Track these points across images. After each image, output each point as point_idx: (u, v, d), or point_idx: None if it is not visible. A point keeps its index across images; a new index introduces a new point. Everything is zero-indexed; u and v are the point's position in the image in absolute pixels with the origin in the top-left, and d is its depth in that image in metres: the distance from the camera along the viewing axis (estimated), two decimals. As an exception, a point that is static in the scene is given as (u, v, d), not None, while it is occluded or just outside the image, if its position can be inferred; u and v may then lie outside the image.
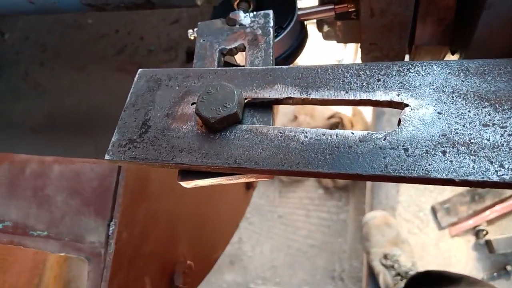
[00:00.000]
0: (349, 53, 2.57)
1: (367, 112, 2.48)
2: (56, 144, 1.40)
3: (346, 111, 2.66)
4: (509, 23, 0.50)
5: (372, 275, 1.96)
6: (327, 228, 2.64)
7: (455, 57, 0.61)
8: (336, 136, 0.41)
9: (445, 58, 0.64)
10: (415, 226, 2.11)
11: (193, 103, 0.49)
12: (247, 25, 0.54)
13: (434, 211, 2.03)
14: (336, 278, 2.51)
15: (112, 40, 1.58)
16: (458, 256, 2.00)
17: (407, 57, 0.64)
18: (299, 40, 0.61)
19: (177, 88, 0.51)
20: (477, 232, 1.91)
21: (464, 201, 1.95)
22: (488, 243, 1.89)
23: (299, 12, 0.60)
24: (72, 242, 0.65)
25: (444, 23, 0.56)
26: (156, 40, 1.52)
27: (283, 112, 2.81)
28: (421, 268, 1.77)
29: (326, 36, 0.67)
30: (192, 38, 0.64)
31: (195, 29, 0.62)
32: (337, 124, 2.62)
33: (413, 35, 0.59)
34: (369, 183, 2.25)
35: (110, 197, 0.65)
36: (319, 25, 0.67)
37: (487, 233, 1.90)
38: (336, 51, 2.59)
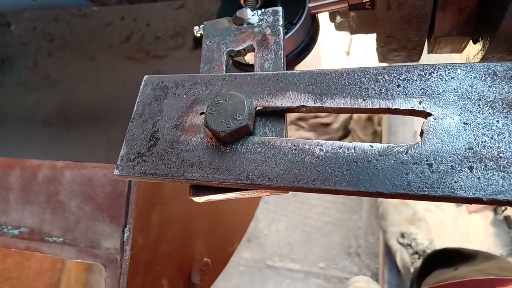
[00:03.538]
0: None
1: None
2: (69, 136, 1.40)
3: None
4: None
5: (389, 254, 1.96)
6: (342, 205, 2.64)
7: (477, 46, 0.57)
8: (354, 150, 0.39)
9: (467, 48, 0.60)
10: (432, 203, 2.08)
11: (202, 113, 0.47)
12: (255, 24, 0.51)
13: (451, 187, 1.99)
14: (353, 254, 2.53)
15: (118, 27, 1.55)
16: (476, 232, 1.98)
17: (425, 49, 0.60)
18: (311, 34, 0.58)
19: (184, 96, 0.49)
20: (495, 208, 1.88)
21: (482, 178, 1.91)
22: (507, 219, 1.86)
23: (310, 5, 0.56)
24: (88, 248, 0.65)
25: (465, 13, 0.52)
26: (163, 26, 1.48)
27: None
28: (439, 246, 1.77)
29: (339, 27, 0.63)
30: (198, 35, 0.61)
31: (201, 26, 0.59)
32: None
33: (432, 26, 0.55)
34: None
35: (123, 203, 0.64)
36: (331, 16, 0.63)
37: (505, 208, 1.86)
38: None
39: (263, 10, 0.51)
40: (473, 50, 0.59)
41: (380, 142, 2.18)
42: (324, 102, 0.43)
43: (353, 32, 0.63)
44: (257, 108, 0.45)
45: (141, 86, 0.51)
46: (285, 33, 0.53)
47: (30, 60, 1.65)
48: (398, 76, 0.41)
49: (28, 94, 1.58)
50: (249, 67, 0.56)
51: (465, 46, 0.61)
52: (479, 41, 0.57)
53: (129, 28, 1.51)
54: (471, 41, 0.60)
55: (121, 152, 0.48)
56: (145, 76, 0.51)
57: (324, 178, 0.39)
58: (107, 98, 1.44)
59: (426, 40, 0.59)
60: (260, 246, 2.64)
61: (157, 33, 1.48)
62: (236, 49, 0.51)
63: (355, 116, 2.26)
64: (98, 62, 1.52)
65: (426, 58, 0.62)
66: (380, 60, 0.65)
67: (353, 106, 0.42)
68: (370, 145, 0.39)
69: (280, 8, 0.50)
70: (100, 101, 1.44)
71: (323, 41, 0.67)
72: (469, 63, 0.39)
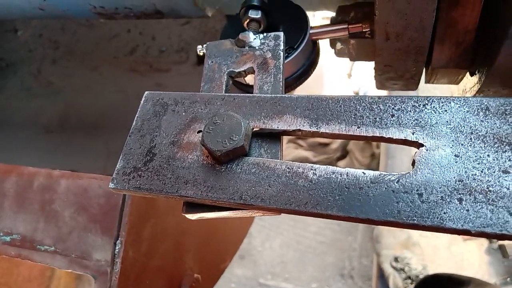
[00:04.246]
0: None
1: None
2: (69, 144, 1.41)
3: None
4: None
5: (382, 277, 1.95)
6: (337, 225, 2.62)
7: (474, 79, 0.59)
8: (347, 176, 0.40)
9: (464, 80, 0.61)
10: (427, 228, 2.07)
11: (199, 131, 0.48)
12: (257, 47, 0.52)
13: (447, 214, 1.99)
14: (346, 275, 2.51)
15: (124, 39, 1.57)
16: (470, 260, 1.97)
17: (423, 78, 0.62)
18: (311, 59, 0.59)
19: (183, 114, 0.49)
20: (490, 237, 1.87)
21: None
22: (502, 248, 1.85)
23: (311, 31, 0.57)
24: (79, 259, 0.65)
25: (462, 46, 0.53)
26: (167, 41, 1.51)
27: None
28: (432, 272, 1.75)
29: (339, 53, 0.65)
30: (200, 54, 0.63)
31: (204, 45, 0.60)
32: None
33: (430, 57, 0.56)
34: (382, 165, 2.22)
35: (116, 215, 0.64)
36: (332, 42, 0.64)
37: (501, 238, 1.85)
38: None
39: (265, 34, 0.52)
40: (469, 83, 0.60)
41: (378, 164, 2.18)
42: (319, 127, 0.43)
43: (352, 59, 0.64)
44: (254, 130, 0.46)
45: (142, 102, 0.52)
46: (286, 57, 0.55)
47: (35, 67, 1.67)
48: (392, 106, 0.42)
49: (31, 100, 1.59)
50: (249, 88, 0.57)
51: (462, 78, 0.62)
52: (476, 74, 0.58)
53: (135, 40, 1.54)
54: (468, 73, 0.61)
55: (117, 166, 0.48)
56: (146, 92, 0.52)
57: (316, 202, 0.39)
58: (108, 109, 1.45)
59: (424, 70, 0.60)
60: (253, 263, 2.62)
61: (162, 47, 1.50)
62: (236, 71, 0.52)
63: (353, 137, 2.26)
64: (101, 72, 1.53)
65: (422, 87, 0.63)
66: (378, 87, 0.66)
67: (347, 133, 0.42)
68: (363, 172, 0.39)
69: (281, 33, 0.51)
70: (102, 111, 1.45)
71: (325, 61, 0.68)
72: (463, 97, 0.39)
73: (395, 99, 0.42)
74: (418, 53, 0.52)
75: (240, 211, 0.44)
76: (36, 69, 1.69)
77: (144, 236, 0.69)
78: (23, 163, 1.36)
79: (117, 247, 0.64)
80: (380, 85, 0.64)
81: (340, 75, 2.44)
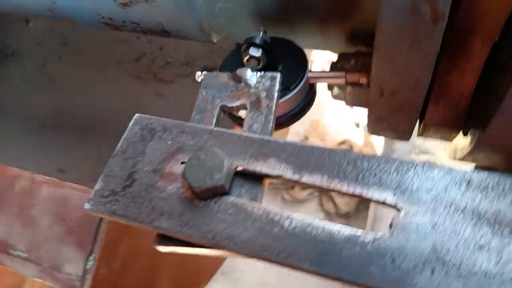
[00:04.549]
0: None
1: (378, 143, 2.44)
2: (61, 142, 1.40)
3: (357, 139, 2.62)
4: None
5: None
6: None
7: (467, 139, 0.59)
8: (322, 231, 0.39)
9: (457, 138, 0.61)
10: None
11: (183, 162, 0.47)
12: (252, 85, 0.52)
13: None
14: (326, 303, 2.46)
15: (132, 46, 1.58)
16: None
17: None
18: (306, 101, 0.59)
19: (169, 142, 0.49)
20: None
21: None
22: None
23: (309, 75, 0.58)
24: (50, 269, 0.64)
25: (457, 109, 0.53)
26: (174, 53, 1.51)
27: (294, 130, 2.78)
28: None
29: (336, 97, 0.65)
30: (198, 80, 0.63)
31: (203, 73, 0.61)
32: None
33: (424, 112, 0.57)
34: (371, 214, 2.21)
35: (93, 231, 0.64)
36: (329, 86, 0.65)
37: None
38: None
39: (262, 73, 0.52)
40: (461, 143, 0.60)
41: (365, 205, 2.17)
42: (302, 176, 0.43)
43: (348, 104, 0.65)
44: (237, 168, 0.45)
45: (130, 124, 0.52)
46: (281, 97, 0.55)
47: (40, 60, 1.67)
48: (376, 166, 0.41)
49: (29, 92, 1.59)
50: (241, 121, 0.57)
51: (454, 136, 0.62)
52: (468, 135, 0.58)
53: (143, 48, 1.55)
54: (462, 131, 0.61)
55: (96, 186, 0.48)
56: (136, 115, 0.52)
57: (288, 253, 0.39)
58: (105, 112, 1.45)
59: (418, 123, 0.60)
60: (234, 282, 2.58)
61: (168, 59, 1.51)
62: (229, 105, 0.52)
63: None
64: (105, 75, 1.54)
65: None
66: (370, 133, 0.66)
67: (329, 186, 0.42)
68: (338, 230, 0.39)
69: (278, 74, 0.51)
70: (98, 113, 1.45)
71: (326, 90, 0.68)
72: (447, 167, 0.39)
73: (379, 158, 0.42)
74: (411, 110, 0.52)
75: (212, 250, 0.43)
76: (40, 62, 1.69)
77: (118, 254, 0.68)
78: (11, 155, 1.35)
79: (89, 263, 0.63)
80: (372, 131, 0.64)
81: (341, 104, 2.46)
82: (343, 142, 2.58)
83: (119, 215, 0.45)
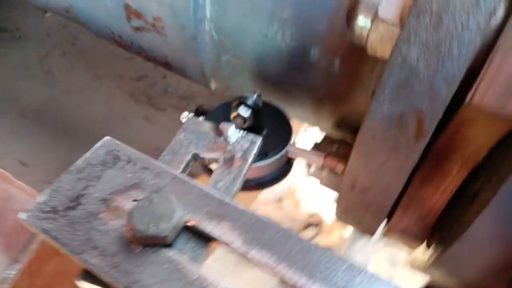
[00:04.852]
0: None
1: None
2: (34, 135, 1.36)
3: (328, 216, 2.59)
4: (481, 260, 0.47)
5: None
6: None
7: (428, 253, 0.58)
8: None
9: (419, 248, 0.60)
10: None
11: (135, 200, 0.45)
12: (231, 143, 0.51)
13: None
14: None
15: (137, 65, 1.59)
16: None
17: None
18: (279, 173, 0.58)
19: (129, 175, 0.47)
20: None
21: None
22: None
23: (290, 149, 0.57)
24: (-34, 268, 0.58)
25: (423, 222, 0.53)
26: (176, 85, 1.52)
27: (271, 189, 2.73)
28: None
29: (312, 174, 0.65)
30: (183, 121, 0.62)
31: (188, 115, 0.60)
32: (316, 225, 2.56)
33: (391, 215, 0.56)
34: None
35: (26, 239, 0.59)
36: (307, 163, 0.64)
37: None
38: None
39: (244, 133, 0.52)
40: (422, 254, 0.59)
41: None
42: (251, 249, 0.41)
43: (323, 184, 0.64)
44: (188, 223, 0.43)
45: (97, 145, 0.50)
46: (256, 161, 0.54)
47: (44, 50, 1.67)
48: (327, 261, 0.40)
49: (22, 79, 1.56)
50: (211, 173, 0.56)
51: (417, 246, 0.61)
52: (430, 249, 0.57)
53: (147, 71, 1.55)
54: (426, 242, 0.60)
55: (38, 198, 0.45)
56: (106, 138, 0.50)
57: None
58: (89, 119, 1.42)
59: (384, 223, 0.60)
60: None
61: (168, 88, 1.52)
62: (202, 156, 0.51)
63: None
64: (102, 84, 1.53)
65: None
66: (337, 217, 0.64)
67: (275, 267, 0.40)
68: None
69: (259, 139, 0.51)
70: (81, 118, 1.42)
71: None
72: (393, 284, 0.38)
73: (331, 256, 0.40)
74: (378, 211, 0.52)
75: (135, 302, 0.40)
76: (44, 53, 1.69)
77: (44, 272, 0.63)
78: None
79: (11, 272, 0.58)
80: (339, 217, 0.63)
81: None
82: (312, 215, 2.56)
83: (51, 236, 0.42)
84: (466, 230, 0.45)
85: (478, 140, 0.38)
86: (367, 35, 0.37)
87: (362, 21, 0.36)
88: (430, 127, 0.37)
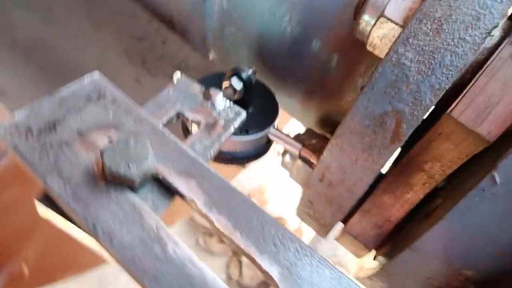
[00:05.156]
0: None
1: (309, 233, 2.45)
2: (21, 67, 1.32)
3: (293, 223, 2.62)
4: (423, 274, 0.49)
5: None
6: None
7: (374, 263, 0.60)
8: (199, 272, 0.38)
9: (365, 257, 0.63)
10: None
11: (110, 141, 0.45)
12: (217, 109, 0.52)
13: None
14: None
15: (140, 25, 1.55)
16: None
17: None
18: (254, 152, 0.59)
19: (110, 115, 0.47)
20: None
21: None
22: None
23: (271, 131, 0.59)
24: None
25: (378, 230, 0.55)
26: (173, 53, 1.50)
27: (240, 183, 2.75)
28: None
29: (283, 164, 0.66)
30: (174, 80, 0.62)
31: (179, 75, 0.60)
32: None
33: (346, 221, 0.58)
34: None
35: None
36: (284, 152, 0.66)
37: None
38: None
39: (231, 104, 0.52)
40: (368, 264, 0.61)
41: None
42: (210, 211, 0.42)
43: (292, 176, 0.65)
44: (157, 175, 0.44)
45: (85, 76, 0.50)
46: (235, 134, 0.55)
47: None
48: (280, 238, 0.41)
49: (22, 10, 1.52)
50: (188, 134, 0.57)
51: (363, 255, 0.63)
52: (376, 260, 0.59)
53: (147, 33, 1.52)
54: (374, 251, 0.62)
55: (16, 116, 0.44)
56: (96, 71, 0.50)
57: (155, 277, 0.37)
58: (78, 64, 1.39)
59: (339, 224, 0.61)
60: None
61: (165, 55, 1.50)
62: (185, 115, 0.51)
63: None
64: (100, 35, 1.50)
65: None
66: (297, 214, 0.66)
67: (229, 234, 0.41)
68: (213, 277, 0.37)
69: (244, 113, 0.52)
70: (71, 61, 1.39)
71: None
72: (340, 272, 0.40)
73: (287, 233, 0.41)
74: (338, 210, 0.53)
75: (87, 238, 0.40)
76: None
77: (1, 198, 0.62)
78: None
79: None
80: (298, 213, 0.65)
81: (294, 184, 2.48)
82: (277, 219, 2.57)
83: (20, 153, 0.42)
84: (414, 242, 0.47)
85: (449, 155, 0.40)
86: (370, 31, 0.38)
87: (368, 16, 0.38)
88: (406, 131, 0.39)
